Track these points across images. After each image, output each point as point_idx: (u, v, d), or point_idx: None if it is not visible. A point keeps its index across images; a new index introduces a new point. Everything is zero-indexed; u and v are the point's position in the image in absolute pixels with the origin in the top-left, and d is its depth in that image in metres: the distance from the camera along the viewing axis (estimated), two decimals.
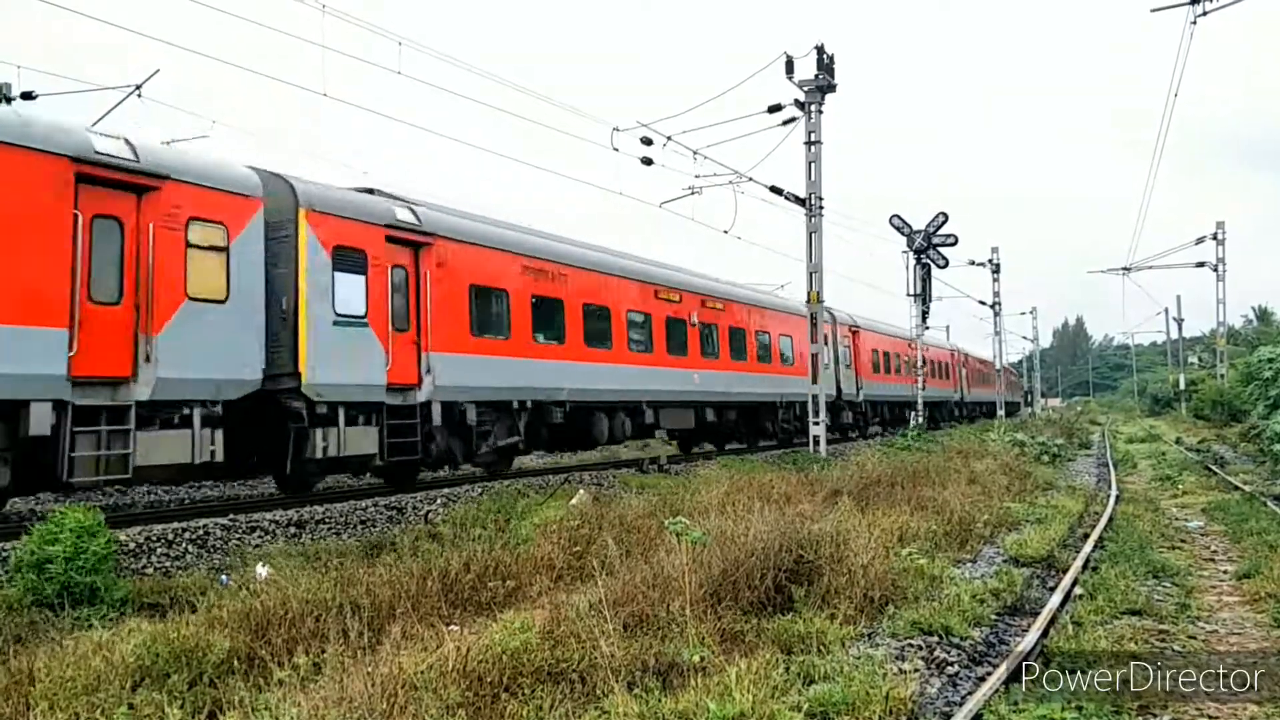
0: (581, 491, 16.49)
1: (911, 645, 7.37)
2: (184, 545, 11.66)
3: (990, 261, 57.10)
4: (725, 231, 26.99)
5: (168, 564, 11.21)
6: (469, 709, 5.35)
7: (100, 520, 9.17)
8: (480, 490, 16.73)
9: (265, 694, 5.70)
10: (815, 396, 25.50)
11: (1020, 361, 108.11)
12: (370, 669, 5.51)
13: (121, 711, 5.60)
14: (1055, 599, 8.86)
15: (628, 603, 7.38)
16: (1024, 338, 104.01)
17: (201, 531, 12.04)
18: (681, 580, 7.47)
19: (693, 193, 26.49)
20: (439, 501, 15.60)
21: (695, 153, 24.84)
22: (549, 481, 18.53)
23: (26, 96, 20.76)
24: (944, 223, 39.07)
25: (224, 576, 10.19)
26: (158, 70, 19.81)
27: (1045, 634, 7.69)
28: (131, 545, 11.09)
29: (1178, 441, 36.58)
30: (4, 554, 9.95)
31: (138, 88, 20.48)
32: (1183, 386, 63.74)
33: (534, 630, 6.57)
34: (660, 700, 5.58)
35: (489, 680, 5.70)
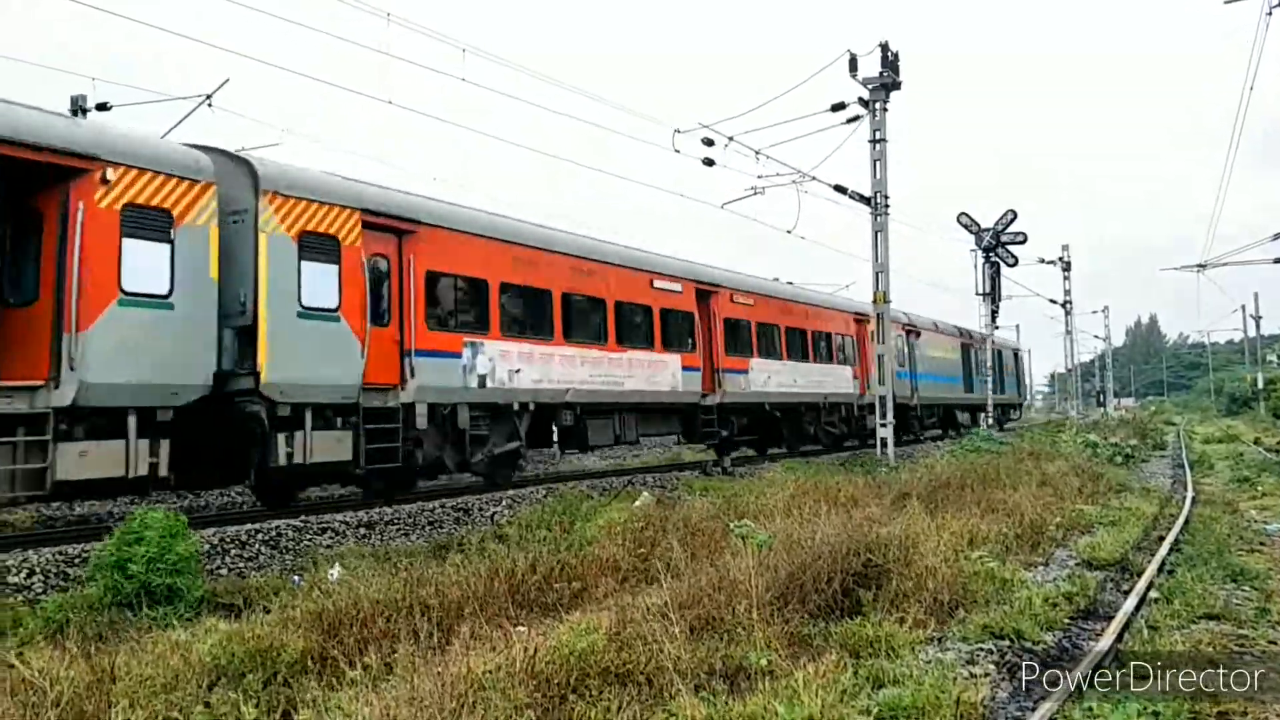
0: (645, 494, 16.52)
1: (982, 649, 7.28)
2: (257, 546, 11.88)
3: (1061, 259, 56.30)
4: (789, 231, 26.85)
5: (241, 565, 11.42)
6: (537, 710, 5.38)
7: (184, 523, 9.37)
8: (545, 492, 16.85)
9: (338, 693, 5.79)
10: (882, 398, 25.28)
11: (1093, 360, 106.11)
12: (440, 669, 5.57)
13: (199, 710, 5.71)
14: (1130, 603, 8.69)
15: (693, 605, 7.36)
16: (1096, 336, 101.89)
17: (274, 533, 12.26)
18: (747, 583, 7.45)
19: (755, 193, 26.40)
20: (504, 503, 15.73)
21: (758, 153, 24.74)
22: (612, 484, 18.60)
23: (102, 107, 21.31)
24: (1012, 220, 38.58)
25: (296, 577, 10.36)
26: (227, 80, 20.13)
27: (1120, 638, 7.55)
28: (206, 546, 11.32)
29: (1256, 442, 35.66)
30: (84, 555, 10.22)
31: (208, 97, 20.90)
32: (1261, 385, 62.23)
33: (600, 632, 6.58)
34: (728, 704, 5.57)
35: (556, 681, 5.73)
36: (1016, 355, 53.52)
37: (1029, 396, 79.49)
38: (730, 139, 23.84)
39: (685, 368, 22.31)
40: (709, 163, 23.98)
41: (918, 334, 36.10)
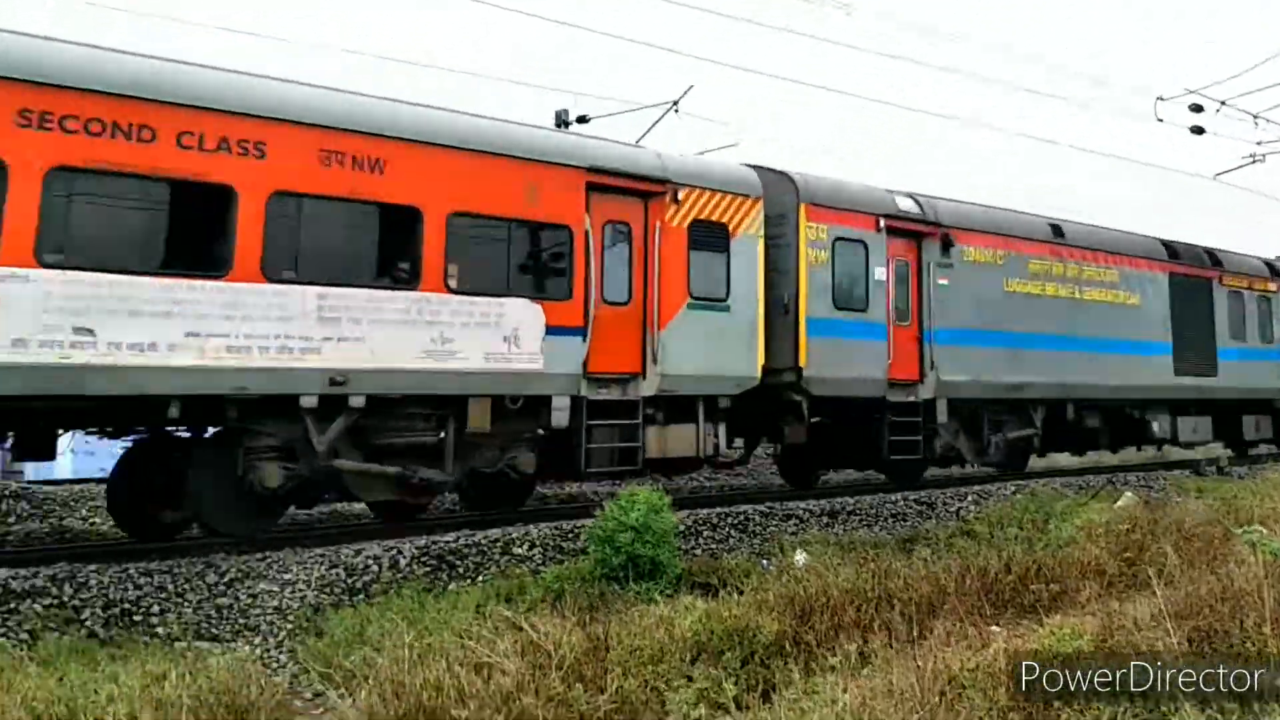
0: (1128, 494, 15.40)
1: None
2: (726, 529, 12.34)
3: None
4: None
5: (713, 546, 11.92)
6: (1020, 713, 5.15)
7: (667, 501, 9.93)
8: (1014, 489, 16.15)
9: (814, 678, 5.87)
10: None
11: None
12: (919, 663, 5.49)
13: (682, 683, 6.03)
14: None
15: (1191, 616, 6.74)
16: None
17: (742, 517, 12.68)
18: (1256, 594, 6.70)
19: (1254, 160, 23.76)
20: (969, 498, 15.27)
21: (1255, 116, 22.23)
22: (1088, 482, 17.45)
23: (581, 120, 23.21)
24: None
25: (765, 561, 10.67)
26: (691, 86, 21.18)
27: None
28: (681, 528, 11.93)
29: None
30: (575, 530, 11.12)
31: (674, 104, 22.11)
32: None
33: (1086, 638, 6.20)
34: None
35: (1038, 686, 5.46)
36: None
37: None
38: (1222, 103, 21.61)
39: None
40: (1198, 131, 21.95)
41: (942, 242, 16.10)
